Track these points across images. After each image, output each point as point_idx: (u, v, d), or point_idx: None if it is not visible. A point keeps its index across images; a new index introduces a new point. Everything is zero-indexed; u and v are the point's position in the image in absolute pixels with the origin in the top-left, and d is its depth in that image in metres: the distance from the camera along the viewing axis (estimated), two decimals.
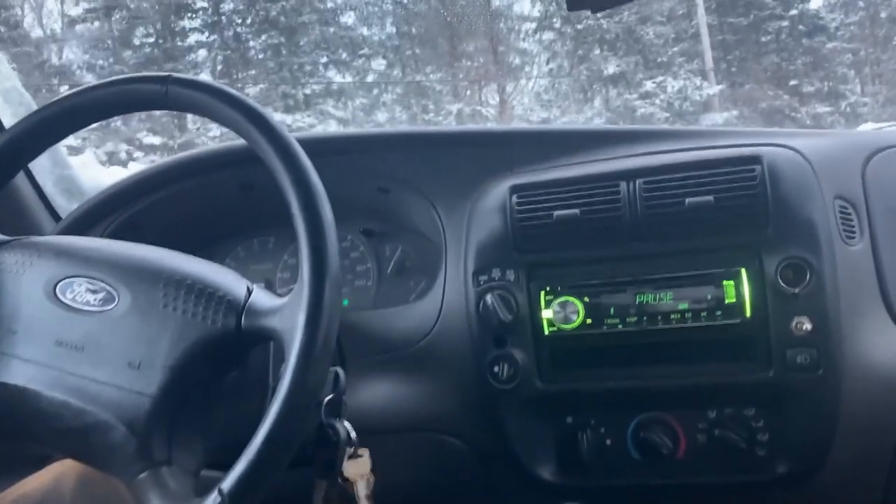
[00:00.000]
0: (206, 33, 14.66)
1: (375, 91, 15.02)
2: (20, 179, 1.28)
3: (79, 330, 0.80)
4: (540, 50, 15.14)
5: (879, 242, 1.06)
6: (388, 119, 14.19)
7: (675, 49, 14.09)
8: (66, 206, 1.35)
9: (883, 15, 13.59)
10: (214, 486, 0.69)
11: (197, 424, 0.81)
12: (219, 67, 14.38)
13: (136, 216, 1.26)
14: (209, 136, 12.94)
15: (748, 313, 1.00)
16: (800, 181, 1.02)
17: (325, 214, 0.77)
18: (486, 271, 1.08)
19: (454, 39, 15.15)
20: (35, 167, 1.31)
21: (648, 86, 13.62)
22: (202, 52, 14.65)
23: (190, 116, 12.36)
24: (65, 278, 0.82)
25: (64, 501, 1.01)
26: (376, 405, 1.14)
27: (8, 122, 1.26)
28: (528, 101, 15.00)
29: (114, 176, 1.38)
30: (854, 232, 1.05)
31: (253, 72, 14.29)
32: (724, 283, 1.01)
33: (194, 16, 14.67)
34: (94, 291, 0.81)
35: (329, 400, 0.90)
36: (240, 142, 0.89)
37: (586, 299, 1.05)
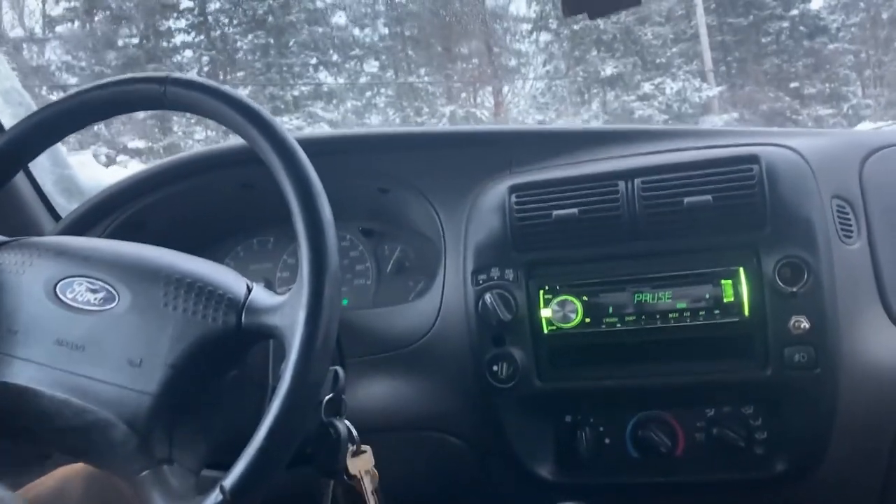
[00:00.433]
0: (193, 34, 14.62)
1: (368, 93, 15.01)
2: (20, 179, 1.29)
3: (79, 329, 0.81)
4: (536, 51, 15.18)
5: (877, 241, 1.08)
6: (381, 122, 14.18)
7: (674, 50, 14.13)
8: (66, 206, 1.36)
9: (884, 16, 13.64)
10: (216, 485, 0.70)
11: (198, 423, 0.83)
12: (205, 69, 14.35)
13: (136, 216, 1.27)
14: (195, 139, 12.92)
15: (746, 312, 1.02)
16: (797, 180, 1.03)
17: (325, 212, 0.78)
18: (485, 270, 1.10)
19: (448, 41, 15.16)
20: (35, 167, 1.33)
21: (646, 87, 13.65)
22: (188, 53, 14.61)
23: (175, 119, 12.35)
24: (65, 278, 0.83)
25: None
26: (375, 404, 1.16)
27: (7, 123, 1.28)
28: (524, 103, 15.03)
29: (113, 176, 1.39)
30: (851, 231, 1.07)
31: (241, 73, 14.25)
32: (723, 282, 1.02)
33: (179, 16, 14.62)
34: (94, 291, 0.82)
35: (329, 399, 0.90)
36: (239, 142, 0.91)
37: (585, 298, 1.06)
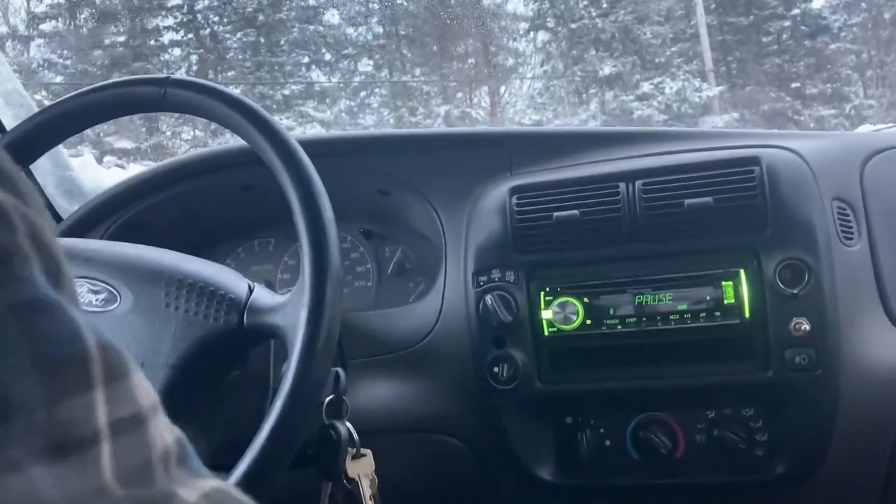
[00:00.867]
0: (181, 32, 14.55)
1: (363, 93, 14.98)
2: None
3: None
4: (533, 50, 15.16)
5: (877, 243, 1.09)
6: (376, 122, 14.16)
7: (674, 49, 14.13)
8: (67, 208, 1.38)
9: (886, 16, 13.67)
10: None
11: (199, 423, 0.84)
12: (194, 68, 14.30)
13: (137, 217, 1.28)
14: (182, 139, 12.88)
15: (747, 314, 1.03)
16: (798, 182, 1.04)
17: (326, 213, 0.80)
18: (486, 272, 1.11)
19: (444, 40, 15.14)
20: (36, 169, 1.34)
21: (646, 87, 13.64)
22: (176, 52, 14.54)
23: (162, 118, 12.31)
24: None
25: None
26: (376, 405, 1.17)
27: (9, 124, 1.29)
28: (521, 103, 15.02)
29: (114, 177, 1.40)
30: (852, 233, 1.08)
31: (231, 73, 14.21)
32: (723, 283, 1.04)
33: (167, 14, 14.55)
34: (95, 292, 0.84)
35: (330, 400, 0.91)
36: (239, 143, 0.93)
37: (586, 300, 1.07)
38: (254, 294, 0.84)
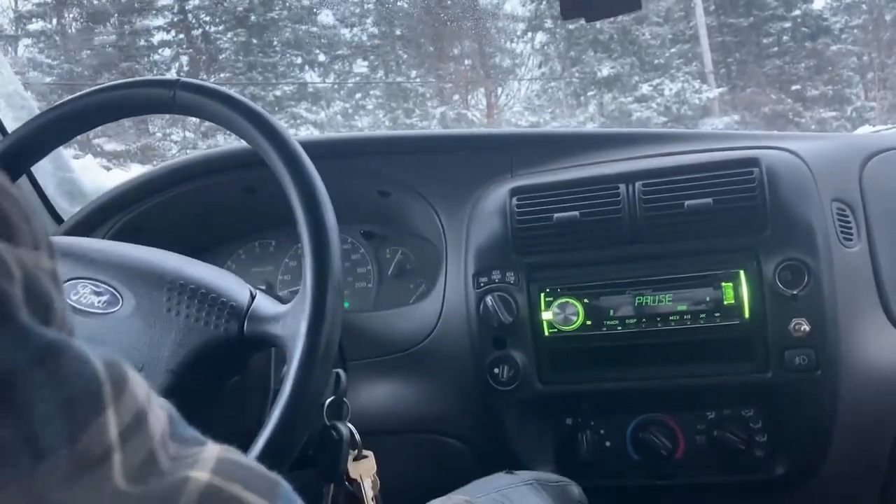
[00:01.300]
0: (172, 32, 14.52)
1: (358, 95, 14.95)
2: (22, 182, 1.32)
3: (83, 332, 0.81)
4: (531, 52, 15.17)
5: (877, 244, 1.10)
6: (371, 124, 14.14)
7: (673, 50, 14.15)
8: (69, 209, 1.39)
9: (887, 18, 13.70)
10: None
11: (198, 428, 0.86)
12: (185, 69, 14.27)
13: (138, 219, 1.29)
14: (172, 141, 12.86)
15: (747, 315, 1.04)
16: (798, 184, 1.06)
17: (329, 222, 0.80)
18: (487, 273, 1.12)
19: (440, 40, 15.15)
20: (37, 170, 1.35)
21: (644, 89, 13.65)
22: (166, 52, 14.49)
23: (150, 119, 12.29)
24: (69, 280, 0.85)
25: None
26: (377, 406, 1.18)
27: (10, 126, 1.31)
28: (518, 104, 15.02)
29: (115, 179, 1.41)
30: (851, 234, 1.09)
31: (224, 74, 14.18)
32: (723, 284, 1.05)
33: (157, 13, 14.50)
34: (98, 293, 0.84)
35: (331, 402, 0.93)
36: (240, 145, 0.94)
37: (586, 301, 1.09)
38: (255, 302, 0.85)
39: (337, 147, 1.29)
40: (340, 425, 0.93)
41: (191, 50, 14.51)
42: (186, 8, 14.63)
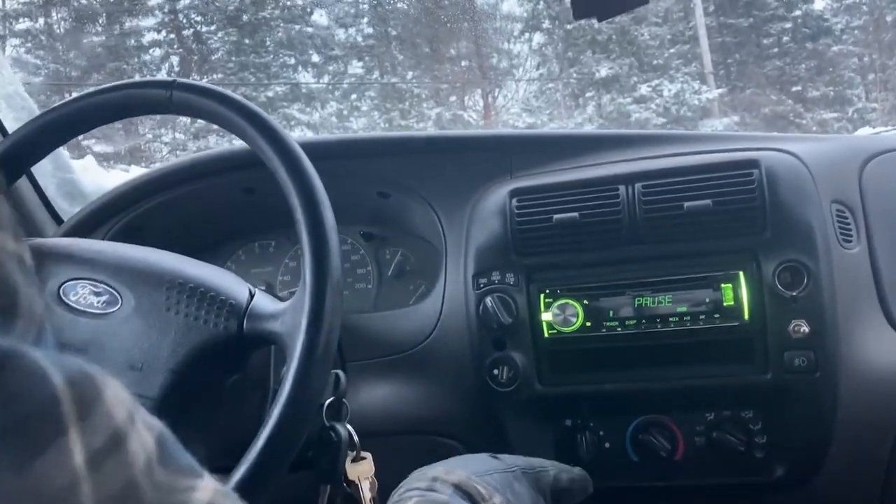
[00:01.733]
0: (163, 32, 14.48)
1: (354, 96, 14.93)
2: (22, 183, 1.33)
3: (82, 332, 0.83)
4: (528, 52, 15.18)
5: (876, 246, 1.11)
6: (366, 126, 14.13)
7: (672, 51, 14.17)
8: (69, 210, 1.40)
9: (888, 19, 13.73)
10: None
11: (198, 427, 0.86)
12: (175, 69, 14.24)
13: (138, 219, 1.30)
14: (162, 142, 12.85)
15: (746, 316, 1.05)
16: (797, 185, 1.07)
17: (328, 219, 0.82)
18: (486, 274, 1.13)
19: (436, 41, 15.15)
20: (37, 171, 1.36)
21: (643, 90, 13.68)
22: (156, 52, 14.45)
23: (139, 120, 12.29)
24: (69, 280, 0.86)
25: None
26: (376, 407, 1.19)
27: (10, 127, 1.32)
28: (516, 106, 15.03)
29: (115, 180, 1.42)
30: (851, 236, 1.10)
31: (217, 76, 14.15)
32: (723, 286, 1.06)
33: (147, 13, 14.45)
34: (97, 294, 0.85)
35: (330, 402, 0.93)
36: (240, 145, 0.95)
37: (585, 302, 1.10)
38: (254, 300, 0.86)
39: (337, 148, 1.30)
40: (339, 426, 0.94)
41: (181, 50, 14.47)
42: (177, 8, 14.57)
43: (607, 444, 1.15)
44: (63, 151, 1.42)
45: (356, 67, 15.19)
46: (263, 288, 1.02)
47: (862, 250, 1.11)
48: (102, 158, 11.56)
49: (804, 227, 1.05)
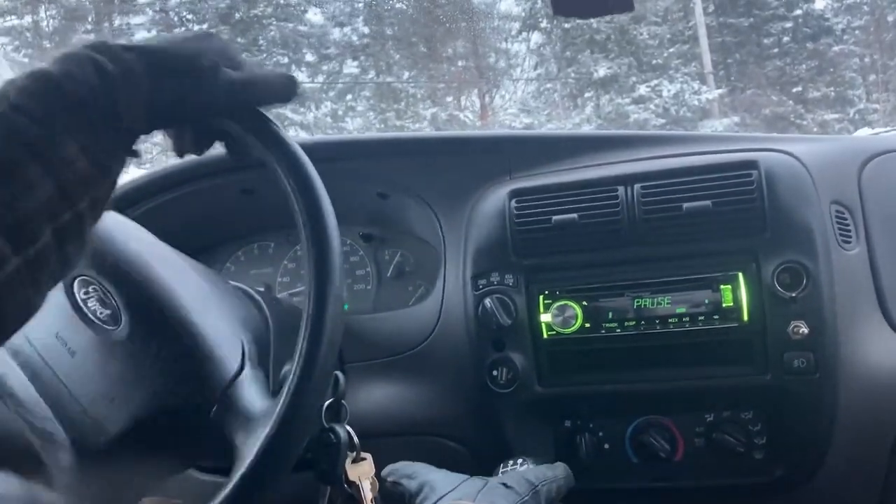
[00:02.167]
0: (154, 31, 14.44)
1: (349, 96, 14.90)
2: None
3: (80, 336, 0.83)
4: (526, 52, 15.18)
5: (875, 247, 1.12)
6: (361, 126, 14.11)
7: (671, 51, 14.18)
8: None
9: (890, 19, 13.74)
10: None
11: (179, 453, 0.87)
12: None
13: (138, 221, 1.21)
14: (153, 143, 12.84)
15: (745, 317, 1.06)
16: (796, 186, 1.08)
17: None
18: (485, 275, 1.14)
19: (432, 40, 15.14)
20: None
21: (642, 90, 13.68)
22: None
23: None
24: (82, 275, 0.85)
25: None
26: (375, 409, 1.20)
27: None
28: (513, 106, 15.02)
29: None
30: (850, 236, 1.11)
31: None
32: (722, 287, 1.07)
33: (138, 10, 14.40)
34: (104, 304, 0.84)
35: (329, 404, 0.93)
36: None
37: (585, 303, 1.11)
38: (238, 381, 0.85)
39: (336, 149, 1.31)
40: (339, 427, 0.93)
41: None
42: (167, 7, 14.51)
43: (607, 445, 1.16)
44: None
45: (351, 67, 15.17)
46: (263, 289, 1.02)
47: (861, 251, 1.12)
48: None
49: (803, 228, 1.06)
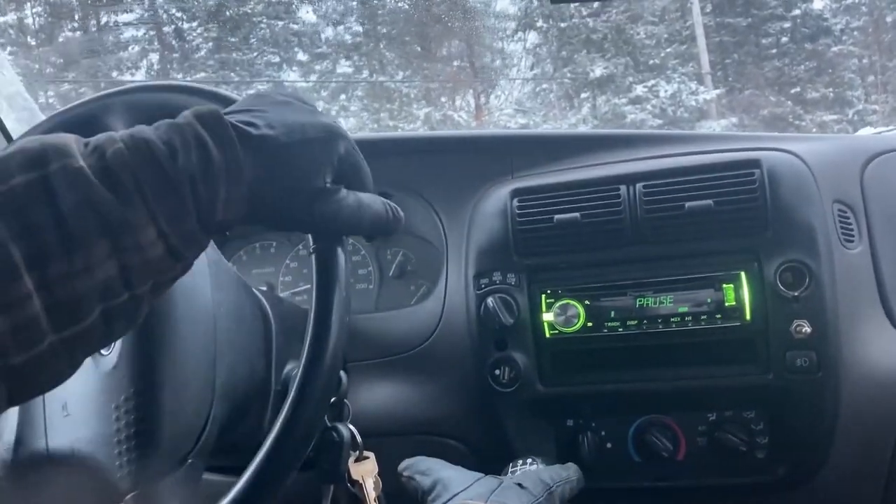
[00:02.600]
0: (143, 30, 14.37)
1: (343, 96, 14.84)
2: None
3: None
4: (521, 51, 15.16)
5: (878, 246, 1.14)
6: (354, 127, 14.10)
7: (669, 50, 14.16)
8: None
9: (888, 20, 13.77)
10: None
11: None
12: (155, 67, 14.15)
13: None
14: None
15: (748, 316, 1.07)
16: (799, 185, 1.09)
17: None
18: (488, 274, 1.16)
19: (427, 39, 15.12)
20: None
21: (639, 90, 13.67)
22: (135, 49, 14.33)
23: None
24: None
25: None
26: (377, 408, 1.21)
27: (12, 128, 1.32)
28: (509, 106, 15.00)
29: None
30: (853, 236, 1.13)
31: (202, 75, 14.08)
32: (724, 286, 1.08)
33: (126, 8, 14.33)
34: None
35: (332, 403, 0.94)
36: None
37: (587, 302, 1.12)
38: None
39: None
40: (341, 426, 0.95)
41: (159, 46, 14.35)
42: (156, 4, 14.43)
43: (609, 445, 1.17)
44: None
45: (345, 66, 15.12)
46: (265, 289, 1.03)
47: (864, 250, 1.14)
48: None
49: (806, 227, 1.08)
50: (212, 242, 0.66)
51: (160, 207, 0.52)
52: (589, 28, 14.06)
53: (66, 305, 0.48)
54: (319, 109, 0.72)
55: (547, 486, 0.93)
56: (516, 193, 1.18)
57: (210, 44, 14.29)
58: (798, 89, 13.63)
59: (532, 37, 15.04)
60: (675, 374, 1.13)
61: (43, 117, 1.02)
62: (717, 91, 13.84)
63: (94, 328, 0.50)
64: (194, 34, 14.44)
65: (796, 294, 1.06)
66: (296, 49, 14.80)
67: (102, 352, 0.78)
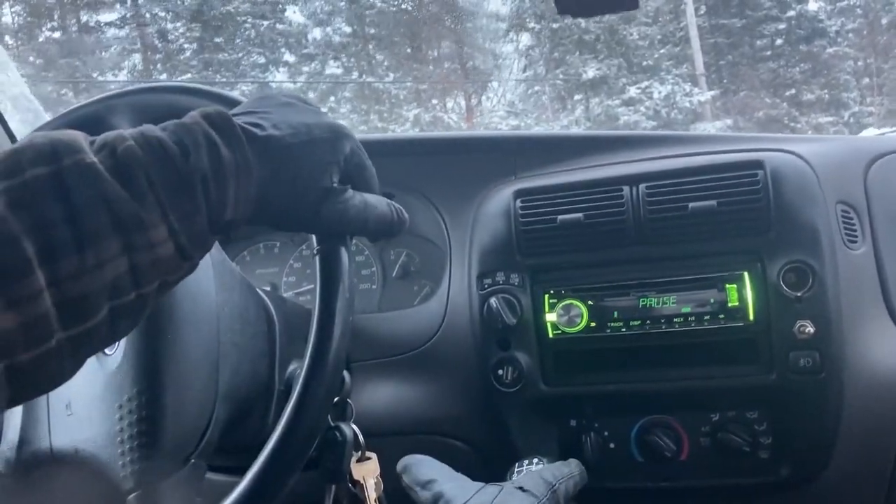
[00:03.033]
0: (126, 29, 14.31)
1: (332, 98, 14.81)
2: None
3: None
4: (513, 52, 15.18)
5: (881, 247, 1.15)
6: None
7: (662, 52, 14.21)
8: None
9: (884, 21, 13.84)
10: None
11: None
12: (138, 68, 14.10)
13: None
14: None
15: (751, 317, 1.08)
16: (802, 186, 1.10)
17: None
18: (491, 275, 1.17)
19: (417, 40, 15.12)
20: None
21: (632, 92, 13.71)
22: (117, 49, 14.26)
23: None
24: None
25: None
26: (380, 408, 1.22)
27: (17, 129, 1.31)
28: (501, 108, 15.02)
29: None
30: (856, 236, 1.14)
31: (187, 76, 14.02)
32: (727, 286, 1.09)
33: (108, 7, 14.25)
34: None
35: (335, 402, 0.94)
36: None
37: (590, 303, 1.13)
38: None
39: None
40: (344, 426, 0.95)
41: (140, 47, 14.30)
42: (137, 2, 14.36)
43: (612, 445, 1.18)
44: None
45: (333, 68, 15.10)
46: (268, 289, 1.04)
47: (867, 251, 1.15)
48: None
49: (809, 228, 1.09)
50: (216, 243, 0.67)
51: (173, 206, 0.53)
52: (581, 29, 14.10)
53: (76, 303, 0.48)
54: (323, 110, 0.73)
55: (549, 484, 0.94)
56: (519, 194, 1.19)
57: (194, 44, 14.24)
58: (793, 91, 13.70)
59: (524, 38, 15.07)
60: (678, 375, 1.13)
61: (47, 118, 1.02)
62: (712, 93, 13.90)
63: (100, 327, 0.51)
64: (177, 34, 14.38)
65: (799, 294, 1.07)
66: (282, 49, 14.78)
67: (106, 351, 0.80)
